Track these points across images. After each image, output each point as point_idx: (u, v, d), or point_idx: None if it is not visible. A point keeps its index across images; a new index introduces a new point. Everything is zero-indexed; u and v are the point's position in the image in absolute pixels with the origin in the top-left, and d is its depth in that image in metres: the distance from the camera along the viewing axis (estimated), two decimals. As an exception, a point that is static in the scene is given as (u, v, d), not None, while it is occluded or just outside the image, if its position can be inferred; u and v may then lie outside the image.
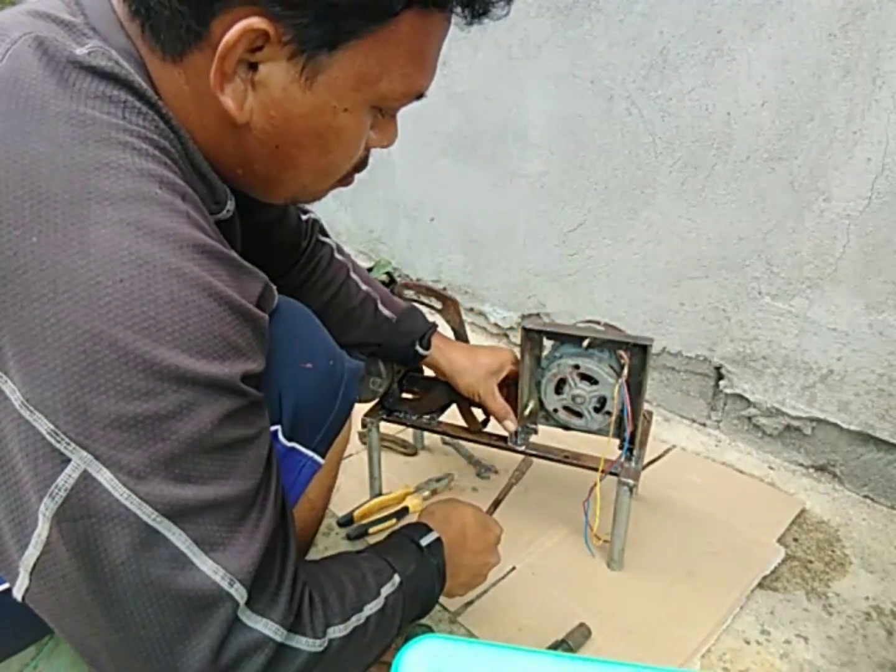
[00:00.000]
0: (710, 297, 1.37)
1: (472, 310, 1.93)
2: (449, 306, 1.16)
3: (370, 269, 1.51)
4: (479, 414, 1.11)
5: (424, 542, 0.70)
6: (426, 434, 1.34)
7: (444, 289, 1.93)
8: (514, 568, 1.03)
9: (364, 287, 1.00)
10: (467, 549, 0.77)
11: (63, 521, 0.40)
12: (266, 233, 0.84)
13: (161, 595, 0.42)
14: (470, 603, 0.97)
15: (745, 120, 1.21)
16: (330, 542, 1.09)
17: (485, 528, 0.82)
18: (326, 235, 1.01)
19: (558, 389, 0.99)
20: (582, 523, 1.05)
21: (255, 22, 0.45)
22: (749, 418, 1.38)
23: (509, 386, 1.07)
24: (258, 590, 0.46)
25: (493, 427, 1.11)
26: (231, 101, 0.48)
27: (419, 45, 0.51)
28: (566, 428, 1.02)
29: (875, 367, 1.17)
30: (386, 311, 1.01)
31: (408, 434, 1.37)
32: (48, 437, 0.39)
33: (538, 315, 1.75)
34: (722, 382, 1.40)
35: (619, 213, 1.47)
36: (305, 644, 0.49)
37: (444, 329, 1.26)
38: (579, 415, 0.99)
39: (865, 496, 1.25)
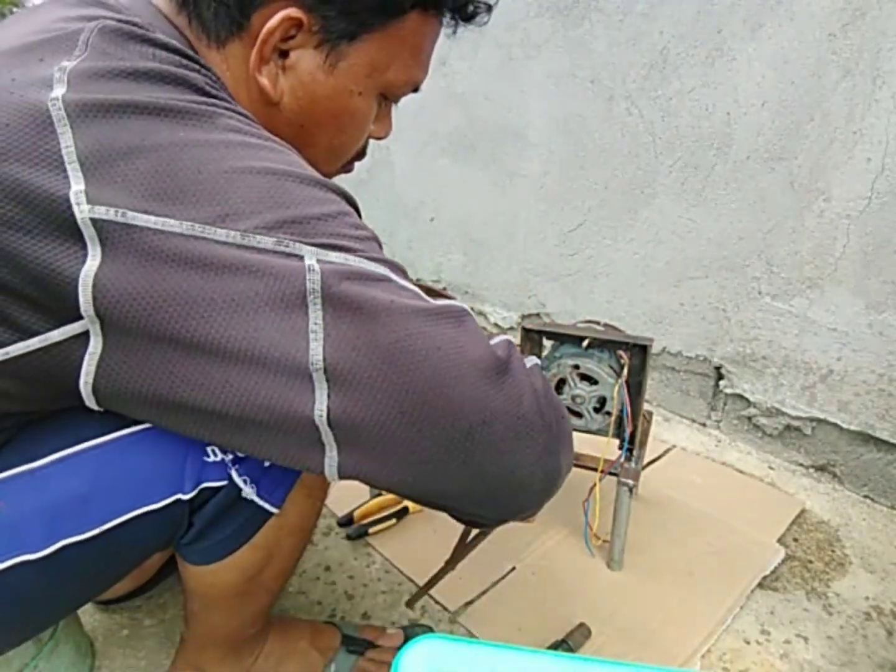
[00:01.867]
0: (710, 297, 1.37)
1: (472, 310, 1.93)
2: (449, 306, 1.16)
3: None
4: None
5: None
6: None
7: (444, 289, 1.93)
8: (514, 568, 1.03)
9: None
10: None
11: (331, 287, 0.45)
12: None
13: (429, 314, 0.48)
14: (470, 603, 0.97)
15: (745, 120, 1.21)
16: (330, 542, 1.09)
17: None
18: None
19: (558, 389, 0.98)
20: (582, 523, 1.05)
21: (293, 12, 0.54)
22: (749, 418, 1.38)
23: None
24: None
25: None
26: (267, 82, 0.57)
27: (419, 42, 0.62)
28: (566, 428, 1.02)
29: (875, 367, 1.17)
30: None
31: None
32: (277, 247, 0.45)
33: (538, 315, 1.75)
34: (722, 382, 1.40)
35: (619, 213, 1.47)
36: (532, 358, 0.60)
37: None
38: (579, 415, 0.99)
39: (865, 496, 1.25)
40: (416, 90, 0.66)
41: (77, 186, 0.43)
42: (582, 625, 0.91)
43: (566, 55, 1.46)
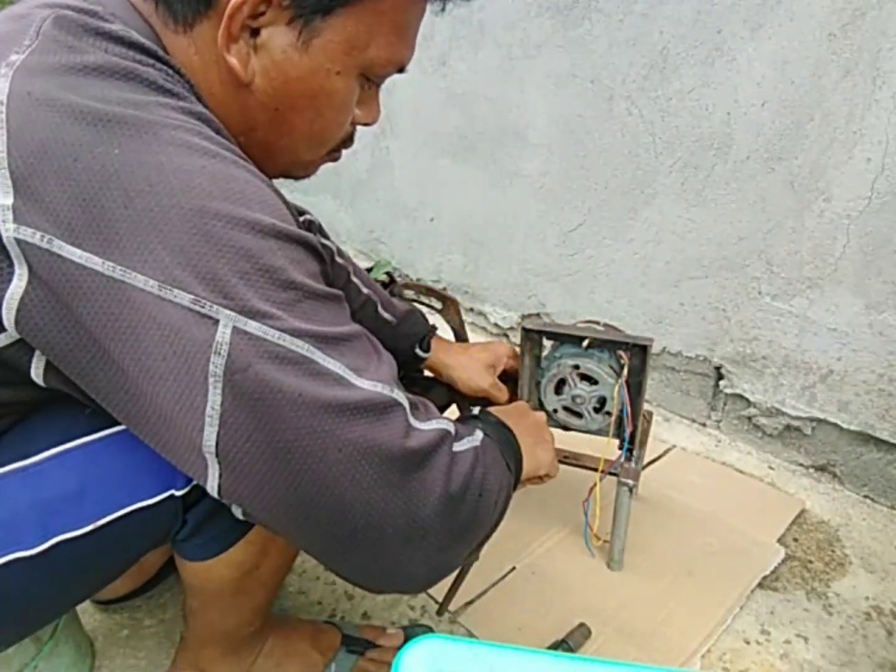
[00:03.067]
0: (710, 297, 1.37)
1: (472, 310, 1.93)
2: (449, 306, 1.16)
3: (370, 270, 1.51)
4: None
5: (474, 412, 0.71)
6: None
7: (444, 289, 1.93)
8: (514, 568, 1.03)
9: (365, 290, 1.00)
10: (506, 414, 0.74)
11: (235, 373, 0.43)
12: None
13: (343, 411, 0.45)
14: (470, 603, 0.97)
15: (745, 120, 1.21)
16: (330, 542, 1.09)
17: (513, 405, 0.85)
18: (326, 237, 1.00)
19: (558, 390, 0.98)
20: (582, 523, 1.05)
21: None
22: (749, 418, 1.38)
23: (507, 381, 1.07)
24: (413, 404, 0.52)
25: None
26: (236, 62, 0.54)
27: (401, 17, 0.58)
28: (566, 428, 1.02)
29: (875, 367, 1.17)
30: (386, 315, 1.01)
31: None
32: (193, 306, 0.43)
33: (538, 315, 1.75)
34: (722, 382, 1.40)
35: (619, 213, 1.47)
36: (467, 441, 0.56)
37: (444, 329, 1.26)
38: (579, 415, 0.99)
39: (865, 496, 1.25)
40: (401, 70, 0.62)
41: (5, 200, 0.42)
42: (582, 625, 0.91)
43: (566, 55, 1.46)
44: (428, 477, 0.49)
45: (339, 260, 1.00)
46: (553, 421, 1.02)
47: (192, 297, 0.43)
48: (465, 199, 1.84)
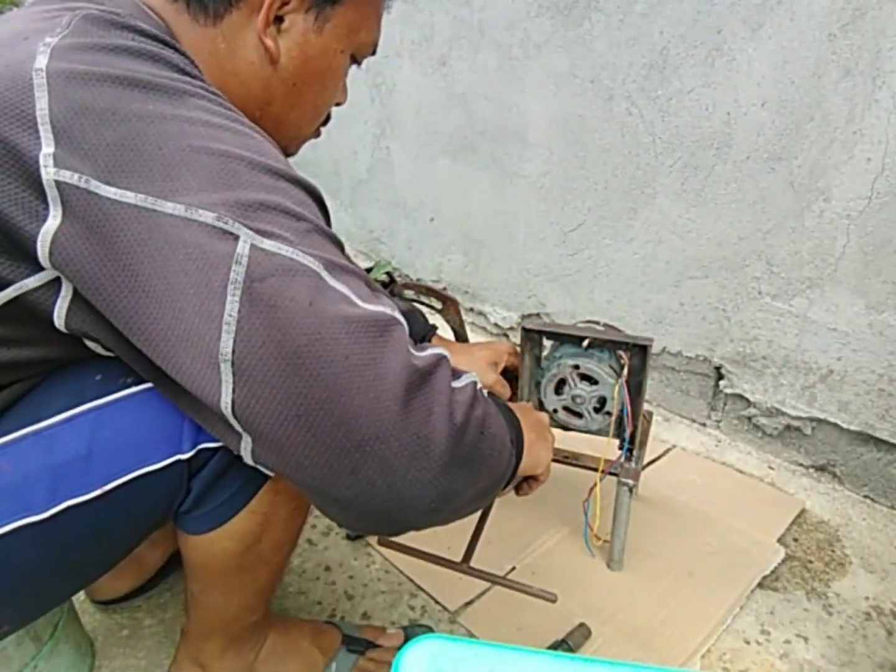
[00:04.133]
0: (710, 297, 1.37)
1: (472, 310, 1.93)
2: (449, 306, 1.16)
3: (370, 270, 1.51)
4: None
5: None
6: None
7: (444, 289, 1.93)
8: (514, 568, 1.03)
9: None
10: (514, 407, 0.74)
11: (253, 281, 0.46)
12: None
13: (350, 322, 0.48)
14: (470, 603, 0.97)
15: (745, 120, 1.21)
16: (330, 542, 1.09)
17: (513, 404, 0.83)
18: None
19: (558, 390, 0.98)
20: (582, 523, 1.05)
21: None
22: (749, 418, 1.38)
23: (509, 379, 1.07)
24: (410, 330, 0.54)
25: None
26: (271, 42, 0.63)
27: (378, 6, 0.70)
28: (566, 428, 1.02)
29: (875, 367, 1.17)
30: None
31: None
32: (216, 223, 0.47)
33: (538, 315, 1.75)
34: (722, 382, 1.40)
35: (619, 213, 1.47)
36: (466, 377, 0.57)
37: (444, 329, 1.26)
38: (579, 415, 0.99)
39: (865, 496, 1.25)
40: (373, 52, 0.73)
41: (47, 149, 0.46)
42: (582, 625, 0.91)
43: (566, 55, 1.46)
44: (430, 396, 0.50)
45: None
46: (553, 421, 1.02)
47: (216, 215, 0.47)
48: (465, 199, 1.84)
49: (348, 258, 0.56)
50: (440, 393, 0.51)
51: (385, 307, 0.51)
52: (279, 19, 0.63)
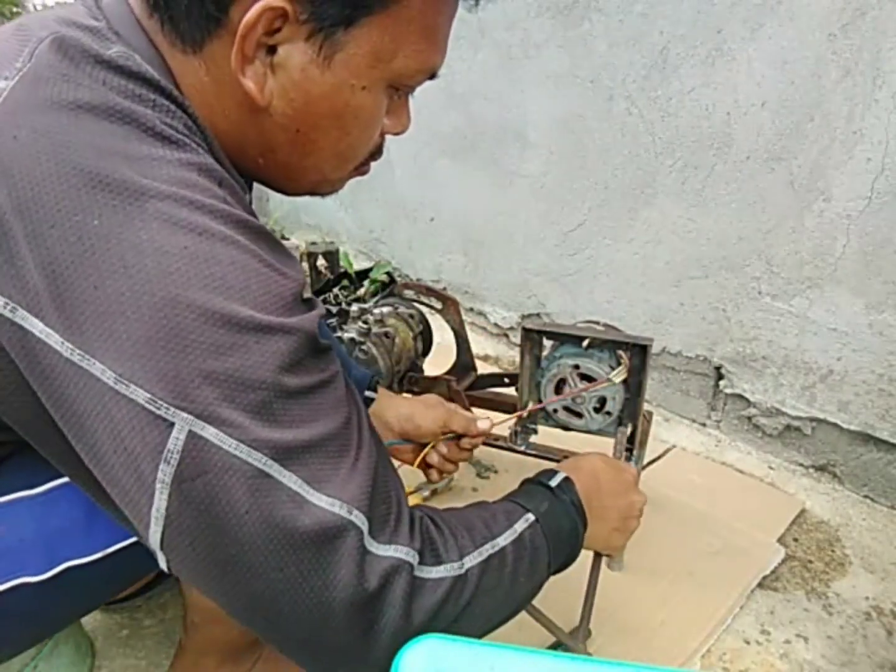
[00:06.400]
0: (710, 297, 1.37)
1: (472, 310, 1.93)
2: (449, 306, 1.16)
3: (370, 270, 1.51)
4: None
5: (553, 482, 0.66)
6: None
7: (444, 289, 1.93)
8: (514, 568, 1.03)
9: None
10: (604, 491, 0.71)
11: (183, 482, 0.41)
12: None
13: (289, 535, 0.43)
14: (470, 603, 0.97)
15: (745, 120, 1.21)
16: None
17: (618, 470, 0.77)
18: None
19: (558, 390, 0.98)
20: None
21: (273, 1, 0.45)
22: (749, 418, 1.38)
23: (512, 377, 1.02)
24: (378, 519, 0.47)
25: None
26: (252, 84, 0.49)
27: (430, 21, 0.52)
28: (566, 428, 1.02)
29: (875, 367, 1.17)
30: None
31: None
32: (148, 405, 0.40)
33: (538, 315, 1.75)
34: (722, 382, 1.40)
35: (619, 213, 1.47)
36: (444, 568, 0.50)
37: (444, 329, 1.26)
38: (579, 415, 0.99)
39: (865, 496, 1.25)
40: (432, 77, 0.57)
41: None
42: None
43: (566, 55, 1.46)
44: (376, 612, 0.46)
45: None
46: (553, 421, 1.02)
47: (149, 396, 0.40)
48: (465, 199, 1.84)
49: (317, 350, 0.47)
50: (391, 607, 0.46)
51: (342, 499, 0.45)
52: (272, 50, 0.49)
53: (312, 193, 0.64)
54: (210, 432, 0.41)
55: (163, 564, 0.45)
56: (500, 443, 1.08)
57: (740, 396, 1.38)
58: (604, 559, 0.83)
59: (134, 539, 0.54)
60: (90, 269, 0.41)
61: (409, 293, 1.17)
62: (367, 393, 0.93)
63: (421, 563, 0.49)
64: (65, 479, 0.53)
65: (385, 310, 1.23)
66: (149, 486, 0.41)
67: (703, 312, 1.39)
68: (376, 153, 0.62)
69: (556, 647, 0.88)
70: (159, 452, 0.41)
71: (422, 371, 1.19)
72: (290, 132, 0.53)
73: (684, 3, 1.23)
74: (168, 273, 0.41)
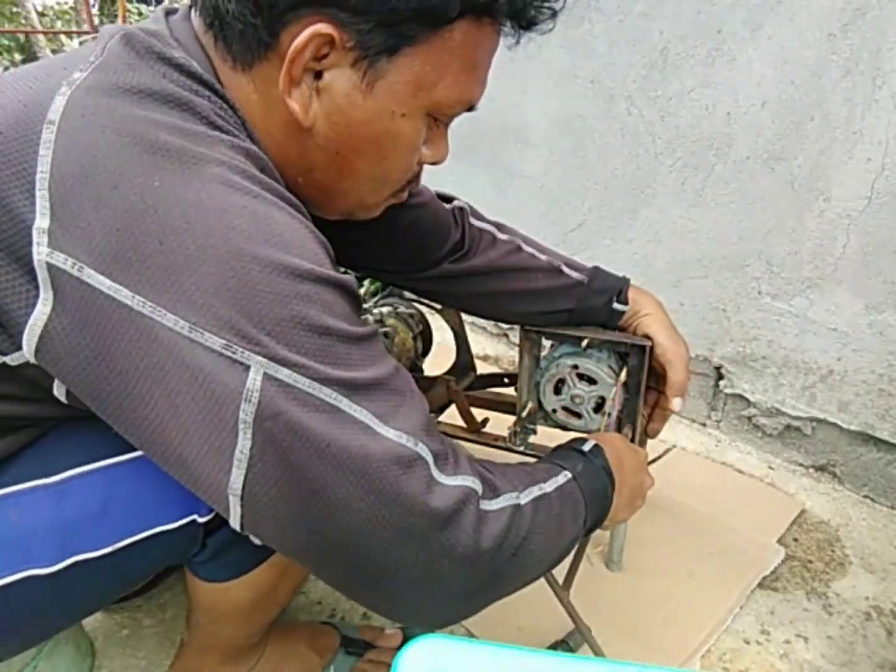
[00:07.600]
0: (710, 297, 1.37)
1: (472, 310, 1.93)
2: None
3: (370, 269, 1.51)
4: (478, 414, 1.11)
5: (586, 447, 0.69)
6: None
7: (444, 289, 1.92)
8: (513, 568, 1.03)
9: (543, 257, 0.94)
10: (624, 467, 0.72)
11: (264, 420, 0.43)
12: (406, 233, 0.84)
13: (367, 465, 0.45)
14: (470, 603, 0.97)
15: (745, 120, 1.21)
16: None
17: (634, 450, 0.79)
18: (482, 219, 0.97)
19: (557, 390, 0.98)
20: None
21: (322, 27, 0.48)
22: (749, 418, 1.38)
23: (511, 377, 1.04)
24: (440, 454, 0.50)
25: (491, 427, 1.11)
26: (297, 106, 0.52)
27: (471, 54, 0.54)
28: (565, 428, 1.02)
29: (875, 367, 1.17)
30: (574, 274, 0.93)
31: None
32: (224, 351, 0.42)
33: (538, 315, 1.75)
34: (722, 382, 1.40)
35: (619, 213, 1.47)
36: (503, 499, 0.53)
37: (444, 329, 1.26)
38: (578, 415, 0.99)
39: (865, 496, 1.25)
40: (470, 109, 0.59)
41: (42, 222, 0.42)
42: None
43: (566, 55, 1.46)
44: (450, 536, 0.48)
45: (501, 236, 0.96)
46: (552, 421, 1.02)
47: (224, 342, 0.42)
48: (464, 198, 1.84)
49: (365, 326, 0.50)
50: (463, 532, 0.49)
51: (407, 432, 0.47)
52: (318, 75, 0.51)
53: (349, 216, 0.65)
54: (284, 373, 0.43)
55: (234, 518, 0.45)
56: (499, 443, 1.08)
57: (740, 396, 1.38)
58: (585, 554, 0.83)
59: (146, 534, 0.55)
60: (154, 226, 0.42)
61: (409, 293, 1.17)
62: (617, 306, 0.96)
63: (482, 496, 0.52)
64: (82, 469, 0.54)
65: (385, 310, 1.23)
66: (231, 427, 0.43)
67: (703, 312, 1.39)
68: (414, 181, 0.65)
69: (556, 646, 0.88)
70: (240, 393, 0.42)
71: (422, 371, 1.19)
72: (330, 153, 0.56)
73: (684, 3, 1.23)
74: (231, 228, 0.43)
